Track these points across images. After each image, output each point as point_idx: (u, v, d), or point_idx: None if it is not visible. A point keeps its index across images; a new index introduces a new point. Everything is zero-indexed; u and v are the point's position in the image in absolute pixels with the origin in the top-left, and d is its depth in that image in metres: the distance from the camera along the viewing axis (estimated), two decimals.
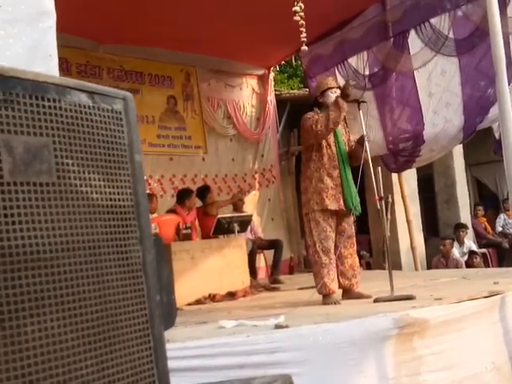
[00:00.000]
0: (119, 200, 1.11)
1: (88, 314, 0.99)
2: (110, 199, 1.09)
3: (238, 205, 7.34)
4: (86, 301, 1.00)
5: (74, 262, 0.99)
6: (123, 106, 1.19)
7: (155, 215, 6.33)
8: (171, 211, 6.48)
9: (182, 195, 6.64)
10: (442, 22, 6.17)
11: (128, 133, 1.18)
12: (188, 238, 6.01)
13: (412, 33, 6.47)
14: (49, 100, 1.01)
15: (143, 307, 1.12)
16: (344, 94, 4.30)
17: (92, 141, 1.09)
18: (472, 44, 5.87)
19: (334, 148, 4.45)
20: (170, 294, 1.54)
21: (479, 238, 9.68)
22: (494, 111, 5.58)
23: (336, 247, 4.39)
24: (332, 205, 4.35)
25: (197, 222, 6.71)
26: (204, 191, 7.04)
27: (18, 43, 2.12)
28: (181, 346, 2.67)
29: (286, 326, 2.98)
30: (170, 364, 2.55)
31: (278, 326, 2.99)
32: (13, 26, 2.13)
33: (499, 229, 9.98)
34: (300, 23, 3.37)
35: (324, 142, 4.43)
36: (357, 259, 4.55)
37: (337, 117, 4.25)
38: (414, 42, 6.46)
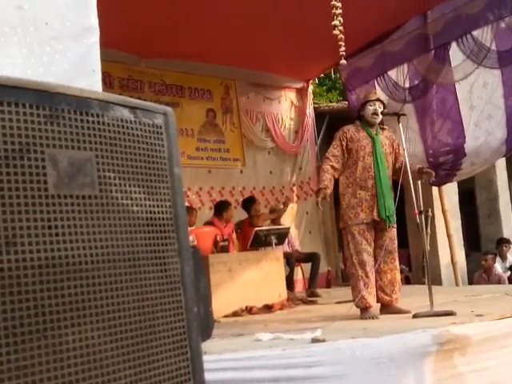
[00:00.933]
0: (158, 212, 1.13)
1: (127, 325, 1.01)
2: (150, 212, 1.11)
3: (276, 218, 7.35)
4: (125, 311, 1.02)
5: (114, 274, 1.01)
6: (164, 121, 1.22)
7: (193, 227, 6.38)
8: (209, 223, 6.53)
9: (220, 207, 6.68)
10: (484, 34, 6.10)
11: (168, 146, 1.21)
12: (225, 250, 6.04)
13: (453, 45, 6.42)
14: (92, 115, 1.04)
15: (181, 319, 1.14)
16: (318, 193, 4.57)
17: (133, 154, 1.11)
18: None
19: (369, 158, 4.41)
20: (208, 305, 1.55)
21: None
22: None
23: (376, 261, 4.34)
24: (367, 217, 4.33)
25: (234, 235, 6.72)
26: (249, 202, 7.05)
27: (63, 59, 2.18)
28: (217, 358, 2.68)
29: (323, 340, 2.95)
30: (207, 376, 2.56)
31: (314, 340, 2.97)
32: (58, 42, 2.20)
33: None
34: (339, 37, 3.37)
35: (356, 157, 4.42)
36: (398, 274, 4.48)
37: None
38: (455, 54, 6.40)
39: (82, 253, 0.96)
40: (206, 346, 2.48)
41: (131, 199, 1.07)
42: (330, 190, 4.48)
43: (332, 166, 4.46)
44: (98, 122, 1.05)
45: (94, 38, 2.38)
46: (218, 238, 5.99)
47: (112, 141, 1.07)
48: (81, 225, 0.97)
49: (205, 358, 2.65)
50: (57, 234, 0.93)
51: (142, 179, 1.12)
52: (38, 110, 0.95)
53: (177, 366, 1.11)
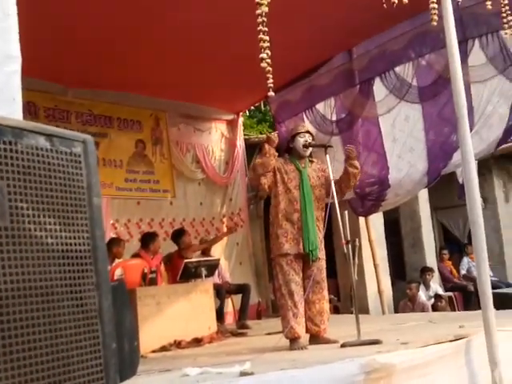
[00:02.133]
0: (75, 244, 1.09)
1: (38, 364, 0.95)
2: (66, 243, 1.07)
3: (206, 248, 7.29)
4: (37, 350, 0.96)
5: (25, 309, 0.96)
6: (83, 149, 1.18)
7: (121, 260, 6.22)
8: (136, 255, 6.39)
9: (146, 239, 6.56)
10: (406, 70, 6.37)
11: (87, 176, 1.17)
12: (154, 282, 5.91)
13: (377, 80, 6.65)
14: (4, 143, 1.00)
15: (98, 356, 1.09)
16: (269, 144, 4.43)
17: (49, 184, 1.07)
18: (435, 91, 6.06)
19: (296, 192, 4.47)
20: (133, 340, 1.50)
21: (445, 281, 9.75)
22: (457, 156, 5.71)
23: (304, 291, 4.37)
24: (292, 249, 4.37)
25: (162, 267, 6.59)
26: (179, 235, 6.97)
27: None
28: None
29: (251, 373, 2.92)
30: None
31: (243, 374, 2.93)
32: None
33: (463, 272, 10.10)
34: (267, 69, 3.42)
35: (282, 188, 4.47)
36: (326, 305, 4.51)
37: (260, 162, 4.41)
38: (379, 89, 6.64)
39: None
40: (131, 383, 2.39)
41: (45, 230, 1.03)
42: (273, 161, 4.46)
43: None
44: (11, 150, 1.00)
45: (15, 65, 2.30)
46: (146, 271, 5.86)
47: (26, 169, 1.02)
48: None
49: None
50: None
51: (58, 210, 1.07)
52: None
53: None
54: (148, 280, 5.82)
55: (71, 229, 1.09)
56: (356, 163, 4.57)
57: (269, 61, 3.55)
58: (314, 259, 4.41)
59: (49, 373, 0.97)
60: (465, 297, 9.30)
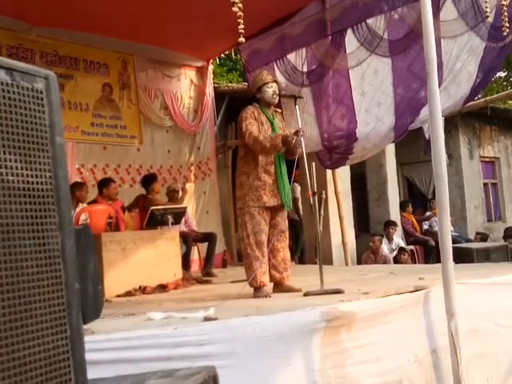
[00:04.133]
0: (37, 183, 1.06)
1: None
2: (27, 182, 1.04)
3: (173, 196, 7.25)
4: None
5: None
6: (45, 86, 1.14)
7: (85, 205, 6.16)
8: (93, 202, 6.31)
9: (100, 185, 6.49)
10: (377, 23, 6.30)
11: (49, 114, 1.13)
12: (116, 228, 5.89)
13: (349, 32, 6.58)
14: None
15: (60, 295, 1.08)
16: (285, 142, 4.30)
17: (9, 120, 1.03)
18: (405, 46, 6.03)
19: None
20: (97, 284, 1.50)
21: (407, 235, 9.98)
22: (424, 112, 5.75)
23: (269, 241, 4.41)
24: (270, 201, 4.38)
25: (127, 214, 6.49)
26: (149, 180, 6.88)
27: None
28: (106, 337, 2.61)
29: (215, 319, 2.96)
30: (95, 356, 2.50)
31: (206, 319, 2.97)
32: None
33: (425, 227, 10.34)
34: (238, 14, 3.36)
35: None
36: (288, 253, 4.59)
37: (268, 152, 4.34)
38: (350, 41, 6.57)
39: None
40: (94, 325, 2.41)
41: (6, 168, 1.00)
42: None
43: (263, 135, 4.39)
44: None
45: None
46: (112, 216, 5.83)
47: None
48: None
49: (93, 337, 2.59)
50: None
51: (19, 147, 1.04)
52: None
53: (54, 344, 1.05)
54: (113, 225, 5.80)
55: (33, 167, 1.06)
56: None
57: (240, 5, 3.48)
58: (288, 209, 4.46)
59: (9, 310, 0.96)
60: (425, 250, 9.55)
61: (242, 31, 3.43)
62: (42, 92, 1.12)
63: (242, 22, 3.40)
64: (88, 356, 1.16)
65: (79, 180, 6.89)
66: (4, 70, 1.03)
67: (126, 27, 6.94)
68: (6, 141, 1.01)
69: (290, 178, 4.50)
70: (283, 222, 4.51)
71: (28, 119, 1.07)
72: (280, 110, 4.76)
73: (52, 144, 1.12)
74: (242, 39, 3.47)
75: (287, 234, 4.58)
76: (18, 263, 0.99)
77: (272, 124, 4.52)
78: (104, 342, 2.56)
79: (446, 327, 3.33)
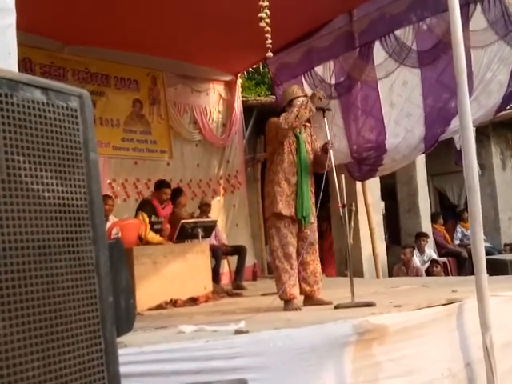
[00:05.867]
0: (72, 199, 1.09)
1: (35, 315, 0.97)
2: (63, 198, 1.07)
3: (205, 210, 7.32)
4: (34, 301, 0.97)
5: (22, 262, 0.97)
6: (79, 104, 1.17)
7: (116, 219, 6.23)
8: (146, 201, 6.35)
9: (159, 185, 6.46)
10: (406, 34, 6.28)
11: (83, 131, 1.16)
12: (159, 231, 5.95)
13: (377, 44, 6.57)
14: (0, 95, 0.99)
15: (95, 309, 1.10)
16: (312, 101, 4.36)
17: (45, 138, 1.06)
18: (434, 56, 5.99)
19: (294, 157, 4.48)
20: (129, 298, 1.51)
21: (438, 247, 9.84)
22: (455, 123, 5.69)
23: (298, 253, 4.41)
24: (284, 210, 4.38)
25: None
26: (175, 194, 6.83)
27: None
28: (138, 350, 2.63)
29: (246, 332, 2.97)
30: (128, 369, 2.52)
31: (237, 332, 2.98)
32: None
33: (457, 242, 10.18)
34: (266, 29, 3.39)
35: (287, 148, 4.46)
36: (319, 266, 4.58)
37: (303, 115, 4.32)
38: (378, 52, 6.56)
39: None
40: (127, 338, 2.44)
41: (42, 184, 1.03)
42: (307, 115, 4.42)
43: None
44: (7, 103, 0.99)
45: (10, 19, 2.27)
46: (142, 231, 5.88)
47: (22, 122, 1.01)
48: None
49: (126, 350, 2.61)
50: None
51: (55, 164, 1.07)
52: None
53: (89, 357, 1.07)
54: (144, 240, 5.86)
55: (68, 183, 1.09)
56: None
57: (268, 20, 3.51)
58: (307, 225, 4.44)
59: (46, 323, 0.98)
60: (458, 263, 9.39)
61: (270, 46, 3.46)
62: (76, 110, 1.15)
63: (270, 36, 3.43)
64: (121, 369, 1.17)
65: (110, 194, 6.98)
66: (40, 89, 1.07)
67: (155, 44, 7.06)
68: (43, 158, 1.04)
69: (317, 196, 4.48)
70: (312, 234, 4.49)
71: (63, 137, 1.10)
72: (309, 125, 4.76)
73: (86, 160, 1.15)
74: (269, 54, 3.50)
75: (317, 246, 4.57)
76: (55, 277, 1.02)
77: (298, 138, 4.54)
78: (136, 354, 2.59)
79: (480, 340, 3.27)
